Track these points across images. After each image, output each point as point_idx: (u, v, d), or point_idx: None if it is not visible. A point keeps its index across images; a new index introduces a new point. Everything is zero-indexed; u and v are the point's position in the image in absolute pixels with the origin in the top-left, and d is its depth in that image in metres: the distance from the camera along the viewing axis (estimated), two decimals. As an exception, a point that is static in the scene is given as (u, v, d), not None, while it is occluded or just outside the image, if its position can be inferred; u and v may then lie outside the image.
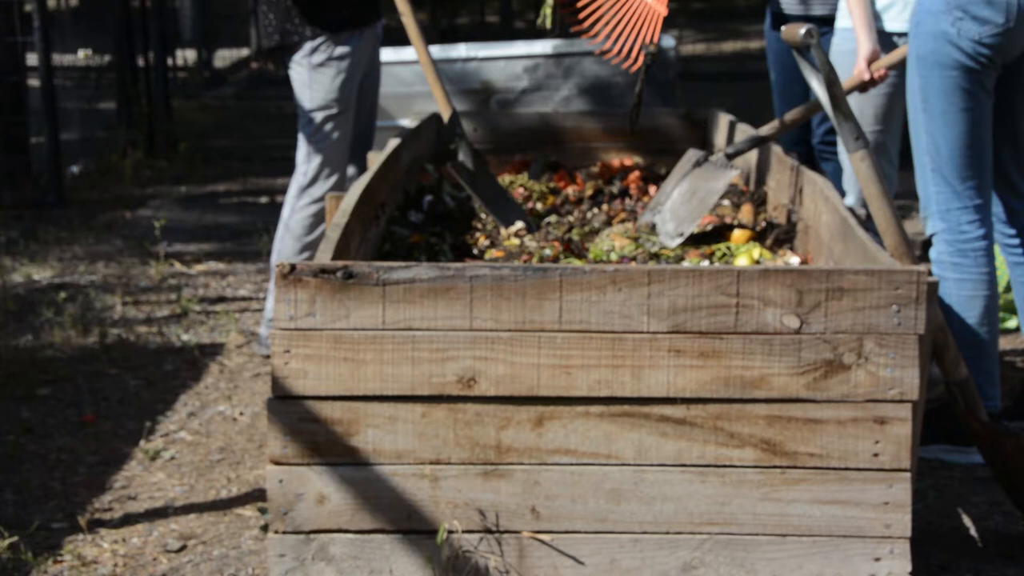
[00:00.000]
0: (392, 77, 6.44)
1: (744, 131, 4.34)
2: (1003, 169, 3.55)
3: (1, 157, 7.10)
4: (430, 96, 4.58)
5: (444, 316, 2.46)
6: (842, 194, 4.44)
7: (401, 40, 4.89)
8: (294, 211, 4.45)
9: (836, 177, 4.53)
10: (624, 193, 4.36)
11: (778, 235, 3.66)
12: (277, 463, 2.51)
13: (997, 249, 3.69)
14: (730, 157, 3.91)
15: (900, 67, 3.97)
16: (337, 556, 2.53)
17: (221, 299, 5.33)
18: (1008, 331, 4.65)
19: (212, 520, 3.28)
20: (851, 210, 3.12)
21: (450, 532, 2.52)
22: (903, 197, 5.54)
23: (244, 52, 14.68)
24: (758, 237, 3.69)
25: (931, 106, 3.40)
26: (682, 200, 3.80)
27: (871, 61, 3.83)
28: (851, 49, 3.96)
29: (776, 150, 3.97)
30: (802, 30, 3.02)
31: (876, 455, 2.48)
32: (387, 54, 5.96)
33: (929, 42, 3.37)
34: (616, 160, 4.84)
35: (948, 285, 3.45)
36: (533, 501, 2.52)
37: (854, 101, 3.99)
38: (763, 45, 5.26)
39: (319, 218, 4.41)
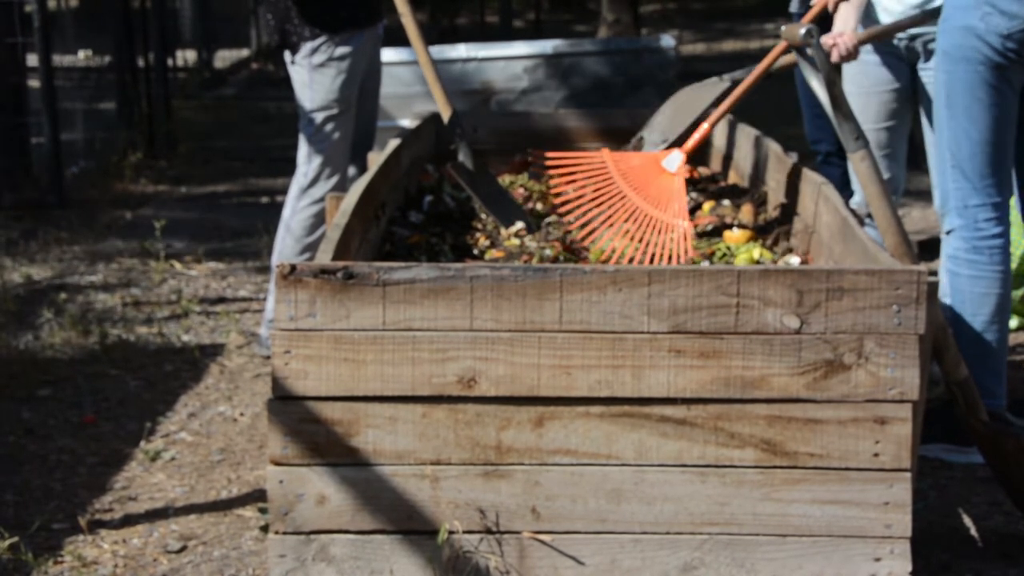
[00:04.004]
0: (392, 77, 6.44)
1: (744, 131, 4.34)
2: None
3: (1, 157, 7.10)
4: (430, 96, 4.58)
5: (444, 316, 2.46)
6: (850, 194, 4.44)
7: (401, 40, 4.89)
8: (295, 212, 4.45)
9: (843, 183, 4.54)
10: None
11: (778, 234, 3.66)
12: (277, 464, 2.51)
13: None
14: (733, 84, 3.97)
15: (898, 71, 3.97)
16: (338, 556, 2.53)
17: (221, 300, 5.34)
18: (1010, 331, 4.65)
19: (212, 521, 3.28)
20: (852, 210, 3.12)
21: (451, 532, 2.52)
22: (905, 195, 5.53)
23: (244, 53, 14.69)
24: (758, 235, 3.69)
25: (955, 101, 3.39)
26: (670, 114, 3.86)
27: (837, 38, 3.81)
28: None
29: (776, 149, 3.97)
30: (802, 30, 3.02)
31: (876, 455, 2.48)
32: (387, 54, 5.96)
33: (956, 37, 3.36)
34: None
35: (961, 281, 3.45)
36: (533, 501, 2.52)
37: (859, 100, 4.01)
38: (763, 45, 5.25)
39: (320, 219, 4.41)
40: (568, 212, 3.73)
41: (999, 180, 3.42)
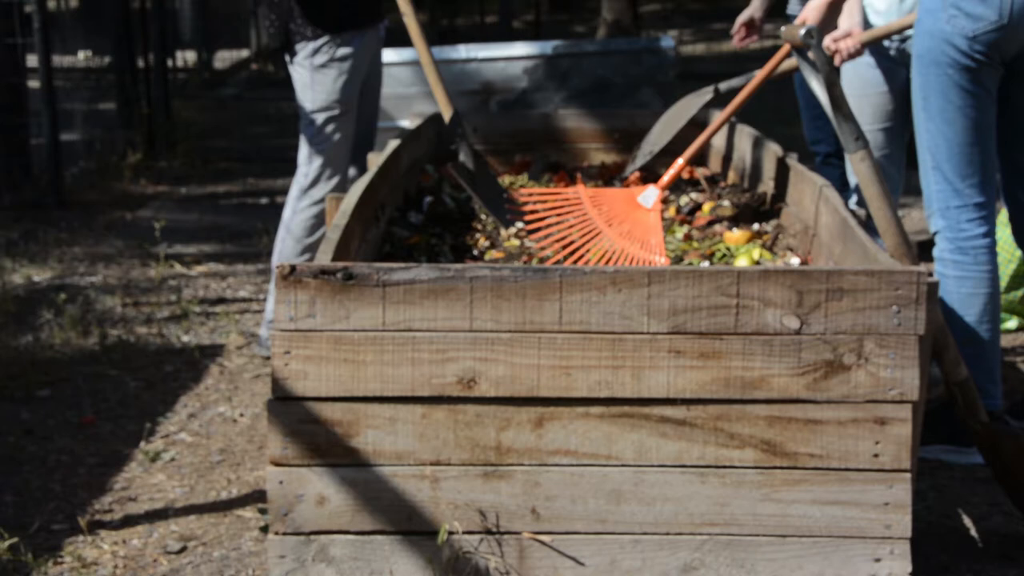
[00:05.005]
0: (393, 78, 6.44)
1: (743, 131, 4.34)
2: (1018, 167, 3.54)
3: (1, 158, 7.10)
4: (430, 97, 4.59)
5: (444, 317, 2.46)
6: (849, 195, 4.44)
7: (402, 41, 4.89)
8: (295, 212, 4.45)
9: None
10: (624, 194, 4.35)
11: (778, 235, 3.66)
12: (277, 464, 2.51)
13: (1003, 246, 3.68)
14: (722, 93, 3.99)
15: (892, 73, 3.99)
16: (337, 557, 2.53)
17: (221, 300, 5.34)
18: (1007, 331, 4.65)
19: (212, 521, 3.28)
20: (852, 211, 3.12)
21: (450, 533, 2.52)
22: (905, 194, 5.53)
23: (244, 53, 14.69)
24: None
25: (930, 104, 3.40)
26: (660, 127, 3.91)
27: (843, 37, 3.85)
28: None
29: (775, 150, 3.98)
30: (802, 30, 3.02)
31: (876, 456, 2.48)
32: (388, 55, 5.96)
33: (926, 40, 3.37)
34: (615, 160, 4.84)
35: (948, 283, 3.45)
36: (533, 502, 2.52)
37: (853, 103, 4.02)
38: (762, 45, 5.28)
39: (320, 219, 4.41)
40: (543, 249, 3.65)
41: (980, 181, 3.43)
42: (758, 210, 3.83)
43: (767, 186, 4.05)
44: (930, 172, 3.46)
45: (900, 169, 4.18)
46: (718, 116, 4.07)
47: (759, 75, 3.91)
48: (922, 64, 3.40)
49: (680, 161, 3.89)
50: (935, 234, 3.50)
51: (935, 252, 3.50)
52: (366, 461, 2.51)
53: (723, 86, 4.06)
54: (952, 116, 3.38)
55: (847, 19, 3.86)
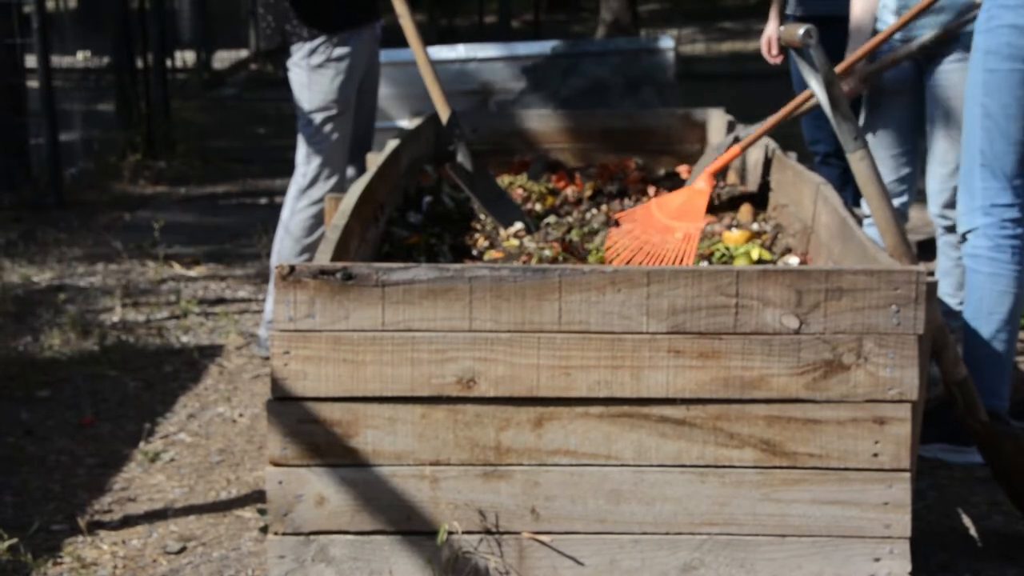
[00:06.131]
0: (391, 78, 6.45)
1: (742, 132, 4.34)
2: None
3: (0, 159, 7.10)
4: (429, 97, 4.59)
5: (443, 317, 2.46)
6: (849, 194, 4.45)
7: (399, 41, 4.90)
8: (293, 212, 4.45)
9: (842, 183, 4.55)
10: (623, 193, 4.36)
11: (777, 234, 3.66)
12: (277, 464, 2.51)
13: None
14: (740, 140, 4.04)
15: (905, 72, 3.99)
16: (337, 557, 2.53)
17: (220, 301, 5.33)
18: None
19: (212, 522, 3.28)
20: (850, 210, 3.12)
21: (450, 533, 2.52)
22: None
23: (243, 53, 14.69)
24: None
25: (994, 100, 3.39)
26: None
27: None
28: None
29: (774, 149, 3.98)
30: (800, 30, 3.02)
31: (876, 455, 2.48)
32: (385, 55, 5.96)
33: (1004, 35, 3.37)
34: (615, 160, 4.85)
35: (981, 279, 3.45)
36: (533, 502, 2.52)
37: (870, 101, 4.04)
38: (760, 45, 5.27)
39: (319, 219, 4.41)
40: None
41: None
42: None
43: (766, 185, 4.05)
44: (976, 169, 3.45)
45: (915, 167, 4.16)
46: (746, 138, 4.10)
47: (778, 115, 3.96)
48: (994, 60, 3.39)
49: (736, 148, 3.99)
50: (970, 231, 3.49)
51: (968, 249, 3.49)
52: (365, 461, 2.51)
53: (742, 134, 4.10)
54: (1016, 113, 3.38)
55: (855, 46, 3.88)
